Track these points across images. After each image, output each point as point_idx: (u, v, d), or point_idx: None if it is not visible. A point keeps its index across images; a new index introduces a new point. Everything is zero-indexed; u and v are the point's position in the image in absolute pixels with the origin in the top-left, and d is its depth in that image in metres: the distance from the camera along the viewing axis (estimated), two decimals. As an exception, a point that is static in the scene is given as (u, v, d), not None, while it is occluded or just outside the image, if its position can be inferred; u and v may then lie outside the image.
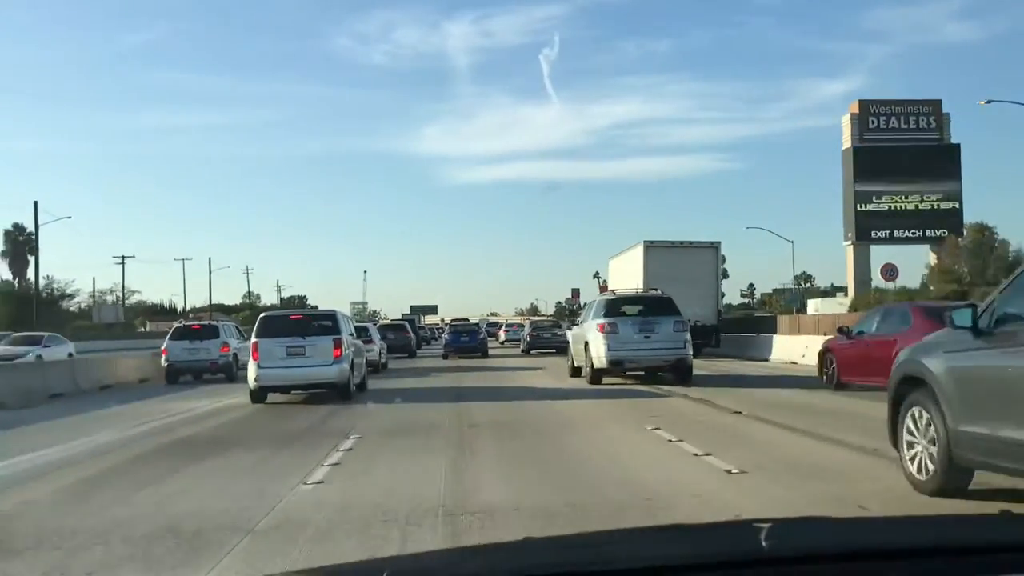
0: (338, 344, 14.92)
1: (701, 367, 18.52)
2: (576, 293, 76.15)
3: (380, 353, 24.17)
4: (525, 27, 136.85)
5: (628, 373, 16.57)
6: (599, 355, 15.57)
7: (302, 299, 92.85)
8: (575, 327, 18.85)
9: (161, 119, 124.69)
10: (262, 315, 15.49)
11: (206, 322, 27.52)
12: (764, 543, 1.43)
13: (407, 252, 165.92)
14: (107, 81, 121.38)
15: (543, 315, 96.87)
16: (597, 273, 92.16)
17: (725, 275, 69.61)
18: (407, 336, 34.56)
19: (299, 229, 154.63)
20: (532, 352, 35.14)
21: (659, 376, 16.68)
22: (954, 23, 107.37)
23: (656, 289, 16.59)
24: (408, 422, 11.27)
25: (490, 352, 35.80)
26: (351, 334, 16.68)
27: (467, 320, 47.79)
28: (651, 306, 16.01)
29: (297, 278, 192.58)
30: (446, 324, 49.13)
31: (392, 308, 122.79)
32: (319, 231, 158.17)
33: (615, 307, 16.00)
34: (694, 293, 24.85)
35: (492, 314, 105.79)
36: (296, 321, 15.34)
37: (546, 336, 35.96)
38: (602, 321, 15.65)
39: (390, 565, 1.52)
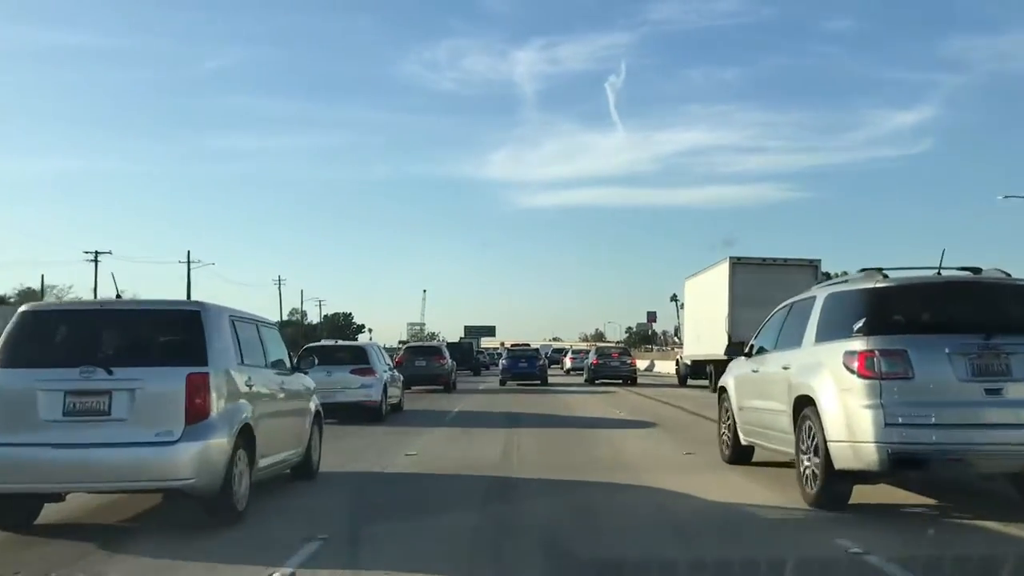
0: (200, 388, 5.90)
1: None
2: (652, 316, 66.17)
3: (384, 390, 15.09)
4: (592, 55, 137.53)
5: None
6: (856, 433, 6.09)
7: (347, 316, 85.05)
8: (744, 360, 8.92)
9: (230, 143, 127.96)
10: (21, 310, 6.48)
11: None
12: None
13: (469, 277, 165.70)
14: (181, 105, 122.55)
15: (610, 341, 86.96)
16: (675, 296, 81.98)
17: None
18: (441, 364, 25.54)
19: (361, 252, 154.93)
20: (596, 382, 30.65)
21: (941, 483, 7.16)
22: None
23: (979, 268, 6.88)
24: None
25: (553, 382, 31.66)
26: (277, 363, 7.68)
27: (527, 345, 40.83)
28: (987, 308, 6.45)
29: (356, 300, 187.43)
30: (506, 348, 43.51)
31: (452, 331, 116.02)
32: (382, 254, 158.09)
33: (896, 310, 6.48)
34: None
35: (555, 339, 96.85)
36: (97, 324, 6.29)
37: (613, 364, 31.46)
38: (868, 348, 6.17)
39: None
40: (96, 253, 50.36)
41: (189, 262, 54.52)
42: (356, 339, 75.62)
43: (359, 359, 14.84)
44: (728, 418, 9.19)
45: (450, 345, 47.96)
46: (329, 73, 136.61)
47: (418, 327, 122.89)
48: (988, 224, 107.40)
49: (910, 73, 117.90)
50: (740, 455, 8.95)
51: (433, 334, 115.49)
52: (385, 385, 15.14)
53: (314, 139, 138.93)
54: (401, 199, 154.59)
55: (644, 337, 73.39)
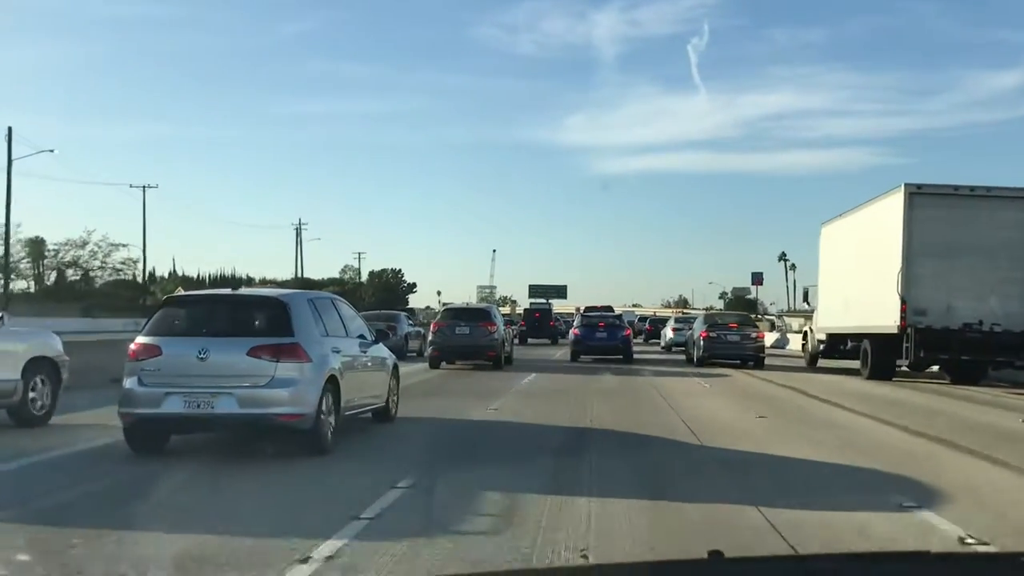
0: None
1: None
2: (758, 278, 56.66)
3: (330, 388, 7.00)
4: (674, 16, 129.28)
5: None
6: None
7: (396, 273, 76.71)
8: None
9: (310, 107, 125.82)
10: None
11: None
12: None
13: (544, 243, 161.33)
14: (264, 70, 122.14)
15: (697, 308, 77.49)
16: (784, 254, 71.94)
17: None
18: (489, 331, 17.81)
19: (434, 216, 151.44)
20: (708, 362, 22.00)
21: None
22: None
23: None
24: None
25: (640, 359, 24.68)
26: None
27: (609, 308, 32.31)
28: None
29: (427, 264, 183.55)
30: (580, 313, 34.71)
31: (525, 297, 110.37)
32: (455, 219, 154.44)
33: None
34: (994, 275, 16.58)
35: (635, 305, 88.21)
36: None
37: (731, 339, 22.25)
38: None
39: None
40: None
41: (10, 146, 40.49)
42: (407, 303, 67.06)
43: (272, 327, 6.85)
44: None
45: (526, 311, 40.55)
46: (406, 37, 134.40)
47: (488, 290, 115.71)
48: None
49: (1008, 32, 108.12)
50: None
51: (506, 298, 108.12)
52: (334, 377, 7.11)
53: (390, 103, 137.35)
54: (476, 163, 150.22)
55: (746, 303, 63.78)
